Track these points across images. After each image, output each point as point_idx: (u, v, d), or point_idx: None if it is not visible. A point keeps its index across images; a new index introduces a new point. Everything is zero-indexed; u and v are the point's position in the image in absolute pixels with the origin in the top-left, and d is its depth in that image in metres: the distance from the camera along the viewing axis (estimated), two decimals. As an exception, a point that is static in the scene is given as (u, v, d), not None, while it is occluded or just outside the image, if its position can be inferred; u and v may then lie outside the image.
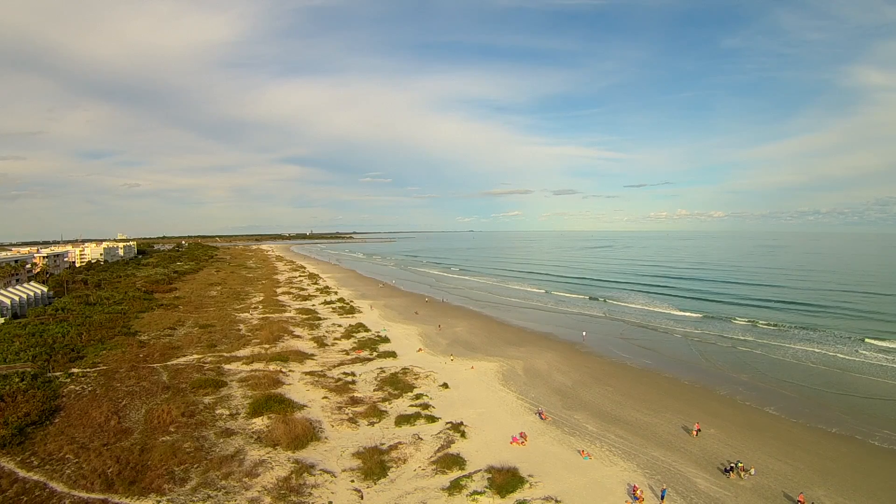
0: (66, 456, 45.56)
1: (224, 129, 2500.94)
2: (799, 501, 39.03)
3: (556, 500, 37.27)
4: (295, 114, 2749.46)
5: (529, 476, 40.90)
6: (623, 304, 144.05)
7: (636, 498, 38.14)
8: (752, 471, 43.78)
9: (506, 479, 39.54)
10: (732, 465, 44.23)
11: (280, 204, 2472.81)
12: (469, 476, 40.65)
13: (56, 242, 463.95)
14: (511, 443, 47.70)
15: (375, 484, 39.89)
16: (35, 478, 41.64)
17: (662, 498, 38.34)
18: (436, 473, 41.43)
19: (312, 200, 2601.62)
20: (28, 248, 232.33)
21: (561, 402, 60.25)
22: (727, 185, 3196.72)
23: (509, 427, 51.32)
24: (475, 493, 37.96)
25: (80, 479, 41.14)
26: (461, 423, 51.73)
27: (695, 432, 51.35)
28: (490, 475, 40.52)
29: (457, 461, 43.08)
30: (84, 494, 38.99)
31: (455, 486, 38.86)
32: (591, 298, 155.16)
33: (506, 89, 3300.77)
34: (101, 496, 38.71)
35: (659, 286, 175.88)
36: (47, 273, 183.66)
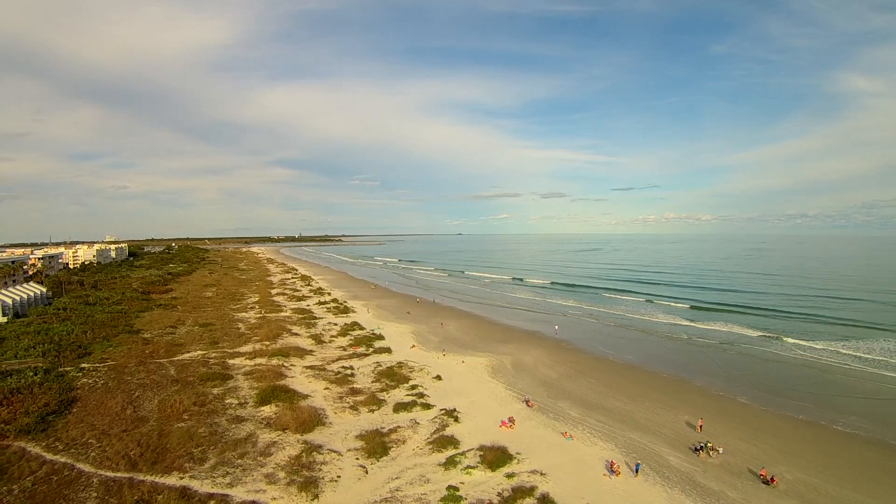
0: (89, 441, 49.08)
1: (215, 132, 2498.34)
2: (761, 475, 43.59)
3: (542, 473, 41.66)
4: (286, 117, 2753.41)
5: (517, 454, 45.28)
6: (609, 304, 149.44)
7: (613, 471, 42.56)
8: (721, 450, 48.27)
9: (496, 456, 43.94)
10: (702, 444, 48.76)
11: (269, 206, 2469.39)
12: (463, 454, 44.95)
13: (45, 244, 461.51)
14: (500, 426, 51.98)
15: (378, 461, 44.09)
16: (62, 460, 45.11)
17: (637, 471, 42.82)
18: (432, 452, 45.70)
19: (301, 203, 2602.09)
20: (22, 250, 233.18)
21: (546, 393, 64.68)
22: (715, 189, 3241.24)
23: (499, 413, 55.63)
24: (468, 467, 42.32)
25: (104, 461, 44.69)
26: (454, 410, 55.97)
27: (699, 428, 53.27)
28: (482, 453, 44.86)
29: (451, 441, 47.39)
30: (110, 473, 42.53)
31: (450, 462, 43.14)
32: (578, 299, 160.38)
33: (496, 94, 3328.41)
34: (126, 475, 42.28)
35: (642, 292, 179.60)
36: (42, 274, 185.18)
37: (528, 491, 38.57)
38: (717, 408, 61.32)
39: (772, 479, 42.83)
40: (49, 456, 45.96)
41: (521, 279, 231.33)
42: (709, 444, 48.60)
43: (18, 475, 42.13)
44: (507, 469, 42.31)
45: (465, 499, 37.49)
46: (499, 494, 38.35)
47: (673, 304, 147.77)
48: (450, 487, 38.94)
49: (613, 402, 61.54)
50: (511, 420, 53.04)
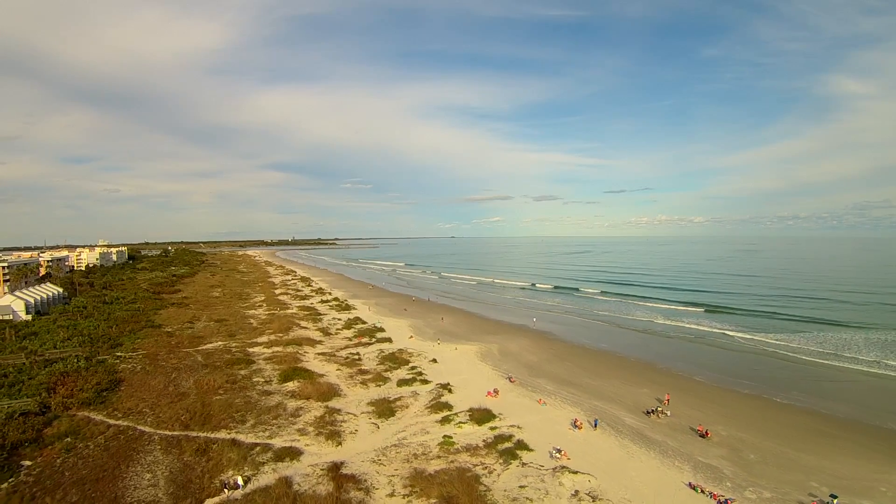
0: (143, 410, 58.67)
1: (208, 135, 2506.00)
2: (698, 430, 53.75)
3: (518, 427, 52.01)
4: (280, 120, 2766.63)
5: (499, 414, 55.67)
6: (591, 303, 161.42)
7: (576, 427, 52.86)
8: (668, 413, 58.54)
9: (482, 415, 54.56)
10: (653, 409, 59.07)
11: (262, 210, 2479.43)
12: (455, 414, 55.46)
13: (39, 248, 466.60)
14: (487, 396, 62.30)
15: (387, 420, 54.47)
16: (124, 423, 54.69)
17: (595, 426, 53.18)
18: (431, 413, 56.09)
19: (294, 206, 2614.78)
20: (29, 253, 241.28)
21: (527, 372, 75.05)
22: (707, 191, 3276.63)
23: (486, 387, 65.93)
24: (460, 423, 52.85)
25: (161, 423, 54.35)
26: (448, 384, 66.42)
27: (666, 401, 62.58)
28: (471, 413, 55.39)
29: (446, 406, 57.83)
30: (168, 432, 52.18)
31: (445, 420, 53.63)
32: (564, 298, 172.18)
33: (489, 97, 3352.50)
34: (182, 433, 51.93)
35: (624, 292, 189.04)
36: (54, 276, 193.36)
37: (507, 438, 48.89)
38: (675, 384, 71.33)
39: (706, 433, 52.99)
40: (112, 421, 55.51)
41: (511, 280, 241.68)
42: (659, 409, 58.91)
43: (90, 435, 51.60)
44: (490, 424, 52.76)
45: (457, 443, 47.74)
46: (484, 440, 48.64)
47: (650, 303, 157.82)
48: (445, 436, 49.24)
49: (584, 380, 71.91)
50: (496, 391, 63.41)
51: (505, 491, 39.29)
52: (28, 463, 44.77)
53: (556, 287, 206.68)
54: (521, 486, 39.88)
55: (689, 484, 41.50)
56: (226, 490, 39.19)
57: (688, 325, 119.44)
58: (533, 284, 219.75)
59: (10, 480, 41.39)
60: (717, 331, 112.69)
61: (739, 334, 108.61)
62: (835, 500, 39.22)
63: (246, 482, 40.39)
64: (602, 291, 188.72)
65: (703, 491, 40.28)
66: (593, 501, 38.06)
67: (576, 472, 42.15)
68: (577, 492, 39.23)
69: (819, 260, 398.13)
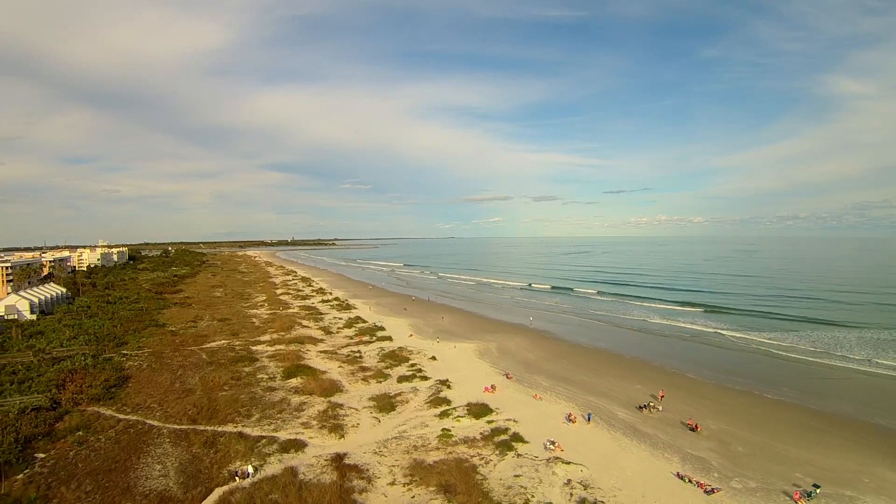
0: (151, 405, 60.47)
1: (208, 136, 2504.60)
2: (688, 424, 55.57)
3: (514, 421, 53.90)
4: (279, 120, 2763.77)
5: (496, 409, 57.59)
6: (588, 302, 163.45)
7: (570, 420, 54.74)
8: (660, 407, 60.35)
9: (480, 410, 56.53)
10: (646, 404, 60.89)
11: (262, 210, 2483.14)
12: (454, 409, 57.40)
13: (40, 248, 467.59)
14: (484, 391, 64.27)
15: (388, 414, 56.46)
16: (133, 418, 56.49)
17: (589, 420, 55.03)
18: (430, 408, 58.02)
19: (294, 207, 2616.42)
20: (31, 254, 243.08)
21: (524, 369, 76.93)
22: (706, 191, 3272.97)
23: (484, 383, 67.81)
24: (458, 416, 54.84)
25: (169, 418, 56.14)
26: (447, 380, 68.42)
27: (660, 396, 64.47)
28: (468, 408, 57.33)
29: (445, 401, 59.79)
30: (176, 426, 53.98)
31: (444, 414, 55.58)
32: (562, 298, 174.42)
33: (489, 97, 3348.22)
34: (190, 427, 53.74)
35: (621, 293, 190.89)
36: (57, 276, 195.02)
37: (503, 431, 50.82)
38: (668, 381, 73.12)
39: (696, 426, 54.80)
40: (121, 416, 57.29)
41: (510, 281, 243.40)
42: (651, 403, 60.72)
43: (101, 429, 53.35)
44: (488, 418, 54.75)
45: (455, 436, 49.70)
46: (481, 433, 50.58)
47: (647, 303, 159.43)
48: (444, 429, 51.19)
49: (580, 376, 73.79)
50: (493, 387, 65.35)
51: (500, 479, 41.20)
52: (42, 455, 46.50)
53: (553, 287, 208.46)
54: (516, 476, 41.79)
55: (678, 474, 43.33)
56: (237, 478, 41.08)
57: (683, 325, 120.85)
58: (530, 285, 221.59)
59: (26, 472, 43.15)
60: (712, 330, 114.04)
61: (734, 333, 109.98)
62: (817, 490, 40.97)
63: (256, 470, 42.36)
64: (599, 291, 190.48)
65: (690, 480, 42.09)
66: (585, 490, 39.93)
67: (569, 463, 44.03)
68: (569, 481, 41.12)
69: (817, 260, 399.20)
